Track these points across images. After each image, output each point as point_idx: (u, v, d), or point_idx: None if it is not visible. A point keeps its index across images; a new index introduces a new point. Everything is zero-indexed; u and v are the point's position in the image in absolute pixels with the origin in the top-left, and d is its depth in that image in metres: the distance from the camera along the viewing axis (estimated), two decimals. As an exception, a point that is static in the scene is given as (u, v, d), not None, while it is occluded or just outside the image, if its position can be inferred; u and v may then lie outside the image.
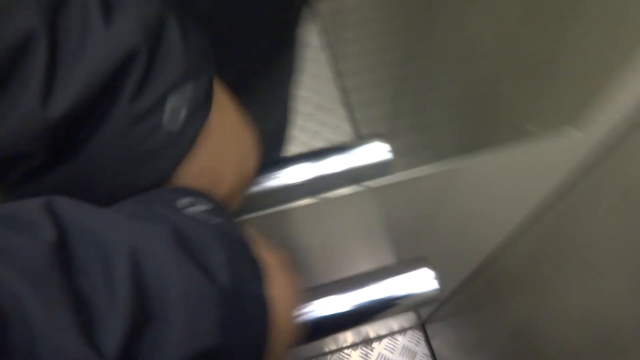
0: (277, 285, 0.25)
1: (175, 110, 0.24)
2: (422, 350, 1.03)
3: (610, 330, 0.50)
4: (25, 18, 0.20)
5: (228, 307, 0.21)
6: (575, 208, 0.48)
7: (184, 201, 0.24)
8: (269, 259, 0.26)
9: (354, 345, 1.01)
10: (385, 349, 1.02)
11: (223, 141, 0.28)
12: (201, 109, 0.25)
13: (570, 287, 0.54)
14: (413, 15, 0.74)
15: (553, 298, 0.59)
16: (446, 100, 0.64)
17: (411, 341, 1.03)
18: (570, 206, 0.49)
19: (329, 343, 0.95)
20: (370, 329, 0.96)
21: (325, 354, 1.00)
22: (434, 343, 1.02)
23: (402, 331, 1.03)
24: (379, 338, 1.03)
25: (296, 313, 0.28)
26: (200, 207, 0.24)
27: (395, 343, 1.03)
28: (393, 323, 0.97)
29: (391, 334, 1.03)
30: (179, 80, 0.24)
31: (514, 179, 0.47)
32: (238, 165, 0.29)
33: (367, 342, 1.02)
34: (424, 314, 0.99)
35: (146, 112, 0.23)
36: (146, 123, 0.23)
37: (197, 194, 0.25)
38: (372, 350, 1.02)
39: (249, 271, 0.23)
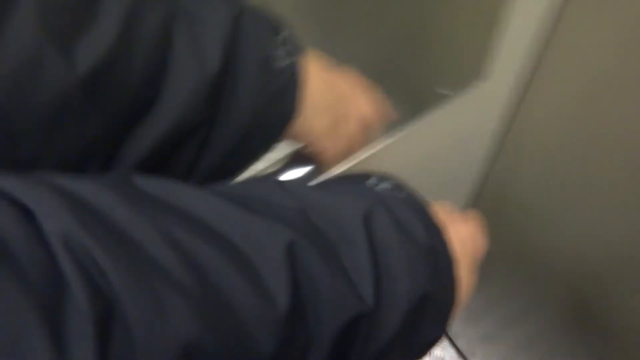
0: (456, 243, 0.29)
1: (278, 54, 0.30)
2: (449, 354, 0.99)
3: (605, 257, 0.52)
4: (162, 8, 0.26)
5: (430, 261, 0.26)
6: (521, 141, 0.51)
7: (371, 181, 0.28)
8: (444, 218, 0.29)
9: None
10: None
11: (326, 74, 0.34)
12: (296, 48, 0.32)
13: (554, 222, 0.55)
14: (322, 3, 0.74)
15: (541, 239, 0.59)
16: (372, 78, 0.63)
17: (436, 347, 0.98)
18: (517, 143, 0.51)
19: None
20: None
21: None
22: (458, 343, 0.99)
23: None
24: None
25: (473, 265, 0.31)
26: (386, 185, 0.28)
27: (419, 355, 0.98)
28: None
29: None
30: (271, 32, 0.30)
31: (453, 138, 0.47)
32: (350, 85, 0.36)
33: None
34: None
35: (261, 62, 0.29)
36: (264, 70, 0.29)
37: (380, 175, 0.29)
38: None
39: (437, 233, 0.27)
